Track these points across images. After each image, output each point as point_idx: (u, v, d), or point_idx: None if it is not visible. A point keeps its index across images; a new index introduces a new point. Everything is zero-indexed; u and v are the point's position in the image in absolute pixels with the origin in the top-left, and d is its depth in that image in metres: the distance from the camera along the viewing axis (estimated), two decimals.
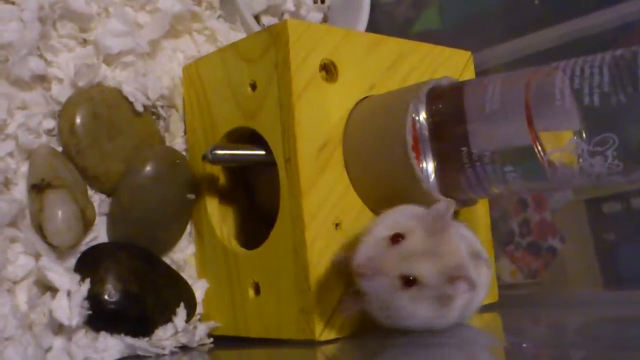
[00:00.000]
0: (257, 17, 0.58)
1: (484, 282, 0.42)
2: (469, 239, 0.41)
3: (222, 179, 0.50)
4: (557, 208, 0.60)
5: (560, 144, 0.37)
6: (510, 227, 0.62)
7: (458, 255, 0.37)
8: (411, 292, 0.37)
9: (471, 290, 0.37)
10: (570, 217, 0.59)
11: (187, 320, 0.46)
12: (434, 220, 0.37)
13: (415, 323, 0.39)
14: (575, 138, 0.37)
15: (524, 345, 0.39)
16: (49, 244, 0.43)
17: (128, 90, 0.48)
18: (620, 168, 0.36)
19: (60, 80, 0.47)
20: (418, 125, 0.42)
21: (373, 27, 0.62)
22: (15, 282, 0.43)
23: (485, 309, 0.51)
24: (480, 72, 0.54)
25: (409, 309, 0.37)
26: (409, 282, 0.37)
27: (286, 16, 0.61)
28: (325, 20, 0.64)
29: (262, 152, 0.44)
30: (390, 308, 0.38)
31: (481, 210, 0.52)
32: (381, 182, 0.43)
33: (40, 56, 0.46)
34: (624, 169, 0.36)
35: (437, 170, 0.42)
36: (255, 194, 0.51)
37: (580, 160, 0.37)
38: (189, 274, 0.50)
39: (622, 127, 0.36)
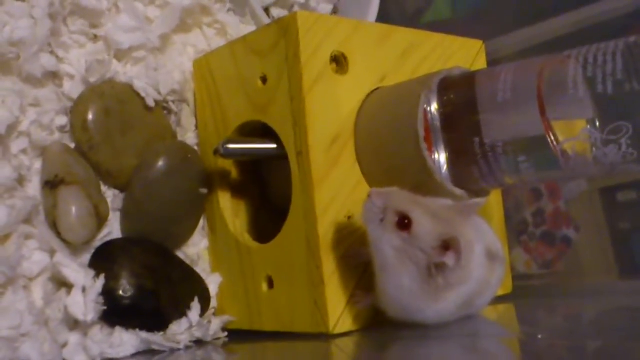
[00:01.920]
0: (267, 10, 0.58)
1: (495, 283, 0.41)
2: (489, 237, 0.41)
3: (234, 173, 0.50)
4: (572, 197, 0.60)
5: (574, 133, 0.37)
6: (524, 217, 0.62)
7: (463, 232, 0.37)
8: (402, 237, 0.37)
9: (455, 267, 0.36)
10: (585, 207, 0.59)
11: (202, 315, 0.47)
12: (461, 206, 0.38)
13: (402, 296, 0.38)
14: (589, 127, 0.36)
15: (539, 336, 0.39)
16: (64, 240, 0.43)
17: (139, 85, 0.48)
18: (634, 156, 0.36)
19: (71, 77, 0.47)
20: (430, 116, 0.42)
21: (384, 17, 0.62)
22: (30, 279, 0.43)
23: (500, 300, 0.50)
24: (492, 62, 0.54)
25: (396, 266, 0.37)
26: (403, 223, 0.37)
27: (296, 8, 0.60)
28: (335, 11, 0.63)
29: (274, 146, 0.44)
30: (378, 256, 0.38)
31: (494, 200, 0.52)
32: (393, 174, 0.42)
33: (52, 53, 0.46)
34: (638, 157, 0.36)
35: (450, 161, 0.42)
36: (268, 188, 0.51)
37: (594, 149, 0.36)
38: (203, 268, 0.50)
39: (636, 115, 0.35)
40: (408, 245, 0.37)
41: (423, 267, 0.37)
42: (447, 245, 0.36)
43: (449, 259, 0.36)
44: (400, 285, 0.38)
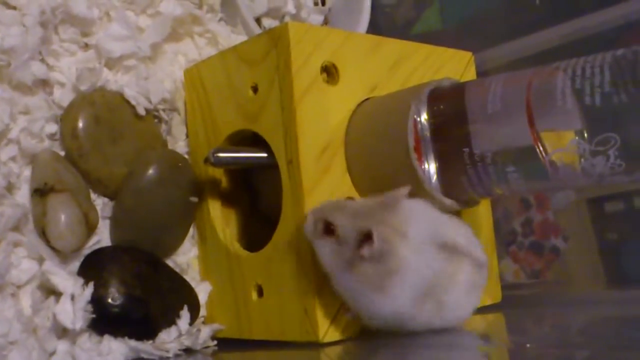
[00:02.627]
0: (258, 20, 0.59)
1: (465, 280, 0.41)
2: (446, 229, 0.40)
3: (224, 182, 0.50)
4: (560, 208, 0.60)
5: (562, 144, 0.37)
6: (513, 227, 0.62)
7: (385, 222, 0.37)
8: (331, 242, 0.38)
9: (372, 258, 0.37)
10: (573, 217, 0.59)
11: (191, 323, 0.46)
12: (385, 199, 0.39)
13: (352, 295, 0.39)
14: (577, 138, 0.37)
15: (528, 345, 0.39)
16: (53, 248, 0.43)
17: (130, 93, 0.48)
18: (622, 168, 0.36)
19: (62, 85, 0.47)
20: (420, 126, 0.42)
21: (374, 28, 0.62)
22: (19, 286, 0.43)
23: (489, 309, 0.51)
24: (482, 73, 0.54)
25: (336, 269, 0.39)
26: (329, 229, 0.38)
27: (287, 19, 0.61)
28: (326, 22, 0.64)
29: (264, 155, 0.45)
30: (324, 266, 0.39)
31: (483, 210, 0.52)
32: (383, 184, 0.42)
33: (42, 61, 0.46)
34: (626, 168, 0.36)
35: (439, 171, 0.42)
36: (258, 196, 0.51)
37: (582, 160, 0.37)
38: (192, 276, 0.50)
39: (624, 127, 0.36)
40: (338, 248, 0.38)
41: (352, 263, 0.38)
42: (365, 237, 0.37)
43: (364, 250, 0.37)
44: (346, 286, 0.39)
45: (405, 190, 0.39)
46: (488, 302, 0.51)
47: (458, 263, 0.40)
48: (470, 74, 0.53)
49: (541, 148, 0.38)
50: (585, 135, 0.36)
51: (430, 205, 0.41)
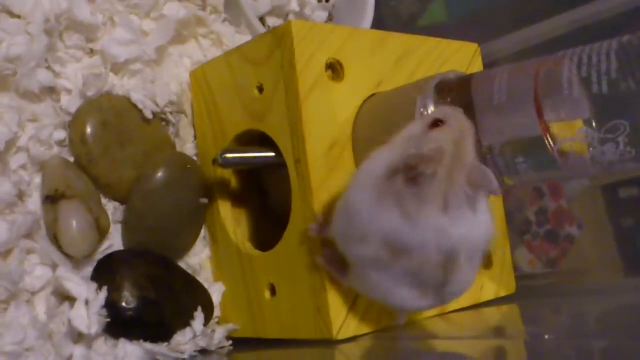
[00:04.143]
0: (262, 19, 0.58)
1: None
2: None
3: (233, 182, 0.50)
4: (574, 195, 0.60)
5: (571, 133, 0.37)
6: (527, 216, 0.62)
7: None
8: None
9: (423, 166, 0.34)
10: (587, 204, 0.59)
11: (205, 324, 0.47)
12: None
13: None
14: (586, 127, 0.36)
15: (546, 336, 0.39)
16: (65, 254, 0.44)
17: (137, 97, 0.48)
18: (632, 155, 0.36)
19: (69, 91, 0.47)
20: None
21: (379, 23, 0.62)
22: (33, 293, 0.43)
23: (503, 300, 0.50)
24: (488, 64, 0.54)
25: None
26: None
27: (291, 17, 0.60)
28: (330, 18, 0.64)
29: (272, 154, 0.45)
30: None
31: (494, 201, 0.52)
32: None
33: (49, 68, 0.46)
34: (636, 155, 0.36)
35: None
36: (268, 196, 0.51)
37: (592, 148, 0.36)
38: (205, 277, 0.50)
39: (633, 114, 0.35)
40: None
41: None
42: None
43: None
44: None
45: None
46: (502, 293, 0.51)
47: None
48: (477, 66, 0.53)
49: (550, 138, 0.37)
50: (594, 123, 0.36)
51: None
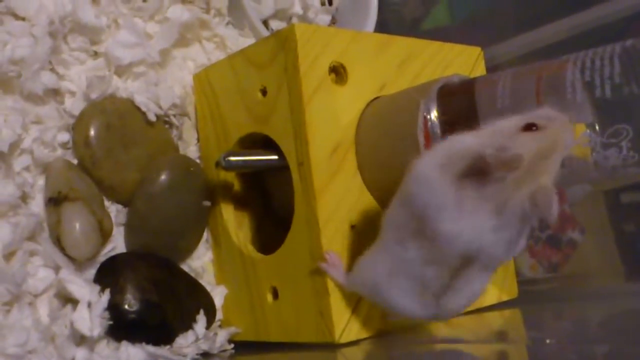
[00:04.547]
0: (265, 22, 0.59)
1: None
2: None
3: (236, 185, 0.50)
4: (576, 200, 0.60)
5: (573, 137, 0.37)
6: None
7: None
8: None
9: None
10: (589, 209, 0.59)
11: (208, 327, 0.47)
12: None
13: None
14: (588, 131, 0.36)
15: (548, 341, 0.39)
16: (68, 256, 0.43)
17: (140, 100, 0.48)
18: (635, 159, 0.36)
19: (73, 93, 0.47)
20: (430, 123, 0.42)
21: (382, 26, 0.62)
22: (36, 295, 0.43)
23: (505, 305, 0.50)
24: (491, 68, 0.54)
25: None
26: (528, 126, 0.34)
27: (294, 20, 0.61)
28: (333, 22, 0.64)
29: (275, 157, 0.45)
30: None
31: None
32: (395, 182, 0.42)
33: (52, 70, 0.47)
34: (639, 159, 0.36)
35: None
36: (270, 199, 0.51)
37: (594, 153, 0.37)
38: (208, 280, 0.50)
39: (636, 118, 0.35)
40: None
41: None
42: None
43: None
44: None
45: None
46: (504, 297, 0.51)
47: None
48: (480, 70, 0.53)
49: None
50: (597, 127, 0.36)
51: None
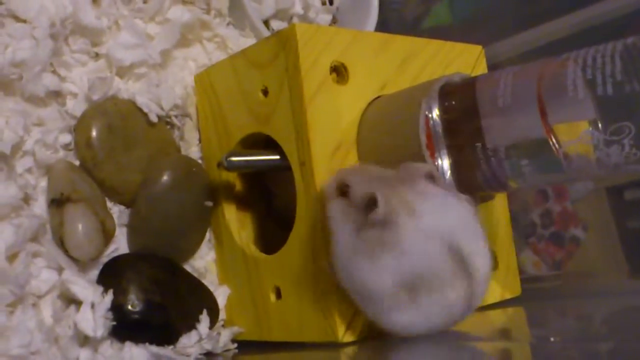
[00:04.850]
0: (266, 22, 0.59)
1: (458, 296, 0.37)
2: (463, 233, 0.37)
3: (238, 185, 0.50)
4: (579, 197, 0.60)
5: (575, 135, 0.37)
6: (532, 218, 0.61)
7: (398, 195, 0.37)
8: (343, 202, 0.38)
9: (376, 224, 0.36)
10: (592, 206, 0.59)
11: (211, 327, 0.47)
12: (403, 172, 0.38)
13: (342, 253, 0.38)
14: (591, 128, 0.36)
15: (552, 339, 0.39)
16: (71, 257, 0.44)
17: (142, 101, 0.48)
18: (637, 156, 0.36)
19: (74, 95, 0.47)
20: (431, 122, 0.42)
21: (383, 25, 0.62)
22: (39, 297, 0.43)
23: (508, 303, 0.50)
24: (492, 66, 0.54)
25: (339, 226, 0.38)
26: (343, 190, 0.38)
27: (295, 19, 0.61)
28: (334, 21, 0.64)
29: (277, 157, 0.45)
30: (330, 225, 0.38)
31: (499, 204, 0.52)
32: None
33: (54, 72, 0.47)
34: None
35: (453, 167, 0.42)
36: (273, 198, 0.51)
37: (597, 150, 0.36)
38: (211, 280, 0.50)
39: (638, 115, 0.35)
40: (348, 210, 0.38)
41: (359, 228, 0.37)
42: (370, 201, 0.36)
43: (371, 214, 0.36)
44: (341, 241, 0.38)
45: (425, 167, 0.38)
46: (507, 295, 0.51)
47: (458, 270, 0.36)
48: (481, 68, 0.53)
49: (554, 140, 0.37)
50: (599, 125, 0.36)
51: (458, 200, 0.38)
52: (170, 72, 0.51)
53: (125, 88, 0.49)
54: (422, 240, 0.36)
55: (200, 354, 0.45)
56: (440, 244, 0.36)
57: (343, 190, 0.38)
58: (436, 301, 0.36)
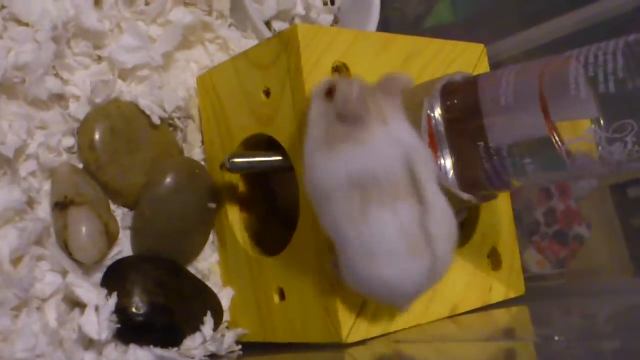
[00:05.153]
0: (268, 23, 0.59)
1: (407, 219, 0.36)
2: (421, 157, 0.37)
3: (241, 187, 0.50)
4: (582, 195, 0.60)
5: (578, 133, 0.37)
6: (536, 217, 0.61)
7: (375, 103, 0.37)
8: (326, 105, 0.38)
9: (346, 118, 0.36)
10: (596, 204, 0.59)
11: (215, 329, 0.47)
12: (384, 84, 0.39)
13: (310, 146, 0.38)
14: (593, 126, 0.36)
15: (556, 338, 0.39)
16: (75, 261, 0.44)
17: (144, 103, 0.48)
18: None
19: (77, 98, 0.47)
20: (434, 121, 0.42)
21: (385, 25, 0.62)
22: (44, 300, 0.43)
23: (513, 302, 0.50)
24: (495, 65, 0.54)
25: (315, 123, 0.38)
26: (329, 92, 0.38)
27: (297, 20, 0.61)
28: (336, 21, 0.64)
29: (280, 158, 0.45)
30: (310, 124, 0.39)
31: (503, 203, 0.52)
32: None
33: (57, 75, 0.47)
34: None
35: (456, 166, 0.42)
36: (276, 200, 0.51)
37: (600, 148, 0.36)
38: (215, 282, 0.50)
39: None
40: (328, 110, 0.38)
41: (332, 124, 0.37)
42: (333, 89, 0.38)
43: (337, 99, 0.37)
44: (312, 136, 0.38)
45: (405, 78, 0.39)
46: (512, 295, 0.51)
47: (407, 194, 0.36)
48: (483, 67, 0.53)
49: (557, 138, 0.37)
50: (602, 123, 0.36)
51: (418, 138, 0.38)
52: (172, 75, 0.51)
53: (128, 91, 0.49)
54: (385, 143, 0.37)
55: (204, 356, 0.45)
56: (402, 157, 0.37)
57: (331, 92, 0.38)
58: (386, 215, 0.36)
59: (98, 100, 0.47)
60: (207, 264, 0.50)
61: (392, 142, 0.37)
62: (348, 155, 0.36)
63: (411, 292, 0.38)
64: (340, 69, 0.44)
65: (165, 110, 0.49)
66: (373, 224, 0.36)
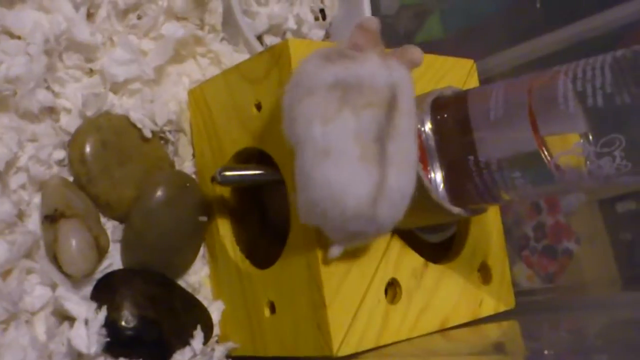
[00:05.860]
0: (259, 37, 0.59)
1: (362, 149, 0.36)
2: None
3: (232, 200, 0.50)
4: (571, 210, 0.60)
5: (567, 147, 0.37)
6: (525, 231, 0.62)
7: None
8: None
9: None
10: (585, 219, 0.59)
11: (205, 343, 0.47)
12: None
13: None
14: (582, 140, 0.37)
15: (546, 352, 0.39)
16: (65, 274, 0.43)
17: (136, 117, 0.48)
18: (628, 168, 0.36)
19: (68, 111, 0.47)
20: (424, 135, 0.42)
21: None
22: (33, 313, 0.43)
23: (503, 316, 0.50)
24: (484, 80, 0.54)
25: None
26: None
27: (288, 35, 0.61)
28: (327, 36, 0.64)
29: (271, 172, 0.45)
30: None
31: (492, 216, 0.52)
32: None
33: (48, 88, 0.47)
34: (633, 169, 0.36)
35: (446, 179, 0.42)
36: (267, 213, 0.52)
37: (588, 162, 0.37)
38: (205, 295, 0.50)
39: (629, 127, 0.35)
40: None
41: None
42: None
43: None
44: (317, 52, 0.39)
45: (417, 53, 0.39)
46: (501, 308, 0.51)
47: (389, 108, 0.37)
48: (473, 82, 0.53)
49: (546, 152, 0.38)
50: (590, 137, 0.36)
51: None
52: (164, 88, 0.51)
53: (119, 104, 0.49)
54: (380, 67, 0.37)
55: None
56: (390, 82, 0.37)
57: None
58: (352, 117, 0.36)
59: (89, 113, 0.47)
60: (198, 277, 0.50)
61: (385, 69, 0.37)
62: (341, 67, 0.37)
63: (352, 207, 0.36)
64: None
65: (156, 124, 0.49)
66: (338, 124, 0.36)
